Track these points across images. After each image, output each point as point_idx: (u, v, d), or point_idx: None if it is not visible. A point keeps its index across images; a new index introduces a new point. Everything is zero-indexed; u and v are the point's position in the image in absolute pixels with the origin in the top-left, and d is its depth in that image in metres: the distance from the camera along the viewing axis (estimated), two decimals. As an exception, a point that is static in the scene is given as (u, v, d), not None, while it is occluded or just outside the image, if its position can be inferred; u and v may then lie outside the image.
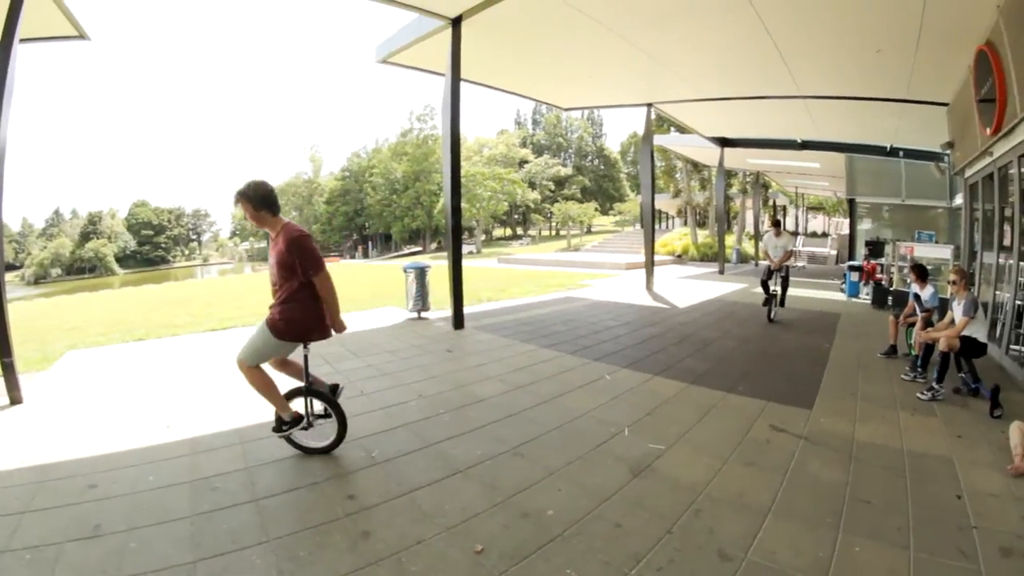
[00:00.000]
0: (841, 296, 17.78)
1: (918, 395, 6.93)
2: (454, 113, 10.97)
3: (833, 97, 14.33)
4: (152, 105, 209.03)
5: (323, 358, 8.52)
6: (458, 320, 11.19)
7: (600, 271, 28.45)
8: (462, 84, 11.13)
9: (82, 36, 9.13)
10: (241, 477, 4.57)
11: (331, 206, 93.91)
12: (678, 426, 5.79)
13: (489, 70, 14.06)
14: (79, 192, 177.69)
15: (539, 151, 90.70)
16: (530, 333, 10.71)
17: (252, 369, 4.70)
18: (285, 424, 4.87)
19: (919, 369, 7.70)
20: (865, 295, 17.07)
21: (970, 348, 6.97)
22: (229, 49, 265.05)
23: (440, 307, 12.80)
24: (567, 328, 11.27)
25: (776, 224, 13.07)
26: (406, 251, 79.67)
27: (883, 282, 16.43)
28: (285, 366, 5.03)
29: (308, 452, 5.03)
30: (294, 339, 4.72)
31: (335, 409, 4.99)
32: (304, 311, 4.65)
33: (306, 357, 4.94)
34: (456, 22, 10.54)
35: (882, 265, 17.81)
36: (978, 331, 6.97)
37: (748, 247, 37.08)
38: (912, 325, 8.69)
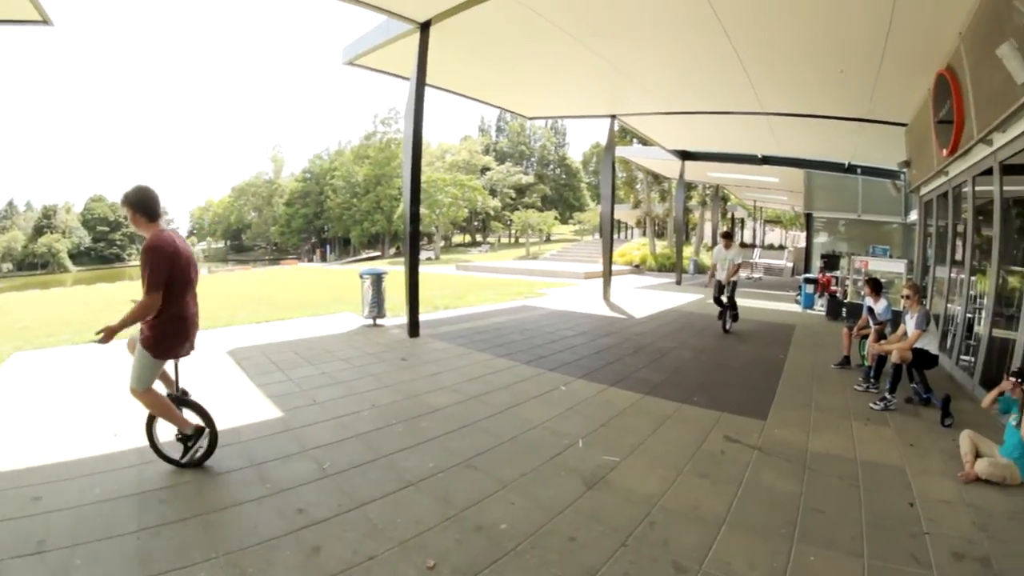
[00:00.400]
0: (796, 308, 18.09)
1: (871, 405, 7.10)
2: (417, 118, 10.87)
3: (795, 115, 14.51)
4: (113, 98, 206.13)
5: (276, 365, 8.40)
6: (414, 328, 11.05)
7: (558, 280, 28.43)
8: (428, 89, 11.07)
9: (45, 21, 8.79)
10: (189, 490, 4.41)
11: (291, 208, 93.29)
12: (633, 437, 5.77)
13: (455, 76, 14.00)
14: (34, 184, 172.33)
15: (501, 159, 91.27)
16: (486, 342, 10.63)
17: (145, 393, 4.54)
18: (190, 439, 4.70)
19: (872, 380, 7.91)
20: (820, 307, 17.29)
21: (922, 360, 7.20)
22: (194, 43, 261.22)
23: (396, 314, 12.63)
24: (523, 337, 11.23)
25: (727, 236, 12.91)
26: (364, 256, 78.98)
27: (837, 295, 16.67)
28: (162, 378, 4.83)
29: (179, 466, 4.78)
30: (166, 356, 4.60)
31: (204, 418, 4.79)
32: (169, 326, 4.53)
33: (176, 365, 4.87)
34: (425, 27, 10.44)
35: (837, 278, 18.05)
36: (930, 343, 7.21)
37: (705, 258, 37.25)
38: (865, 337, 8.89)
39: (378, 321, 12.37)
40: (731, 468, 5.08)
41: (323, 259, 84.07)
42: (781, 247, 50.71)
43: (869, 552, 3.76)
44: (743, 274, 20.32)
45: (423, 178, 66.40)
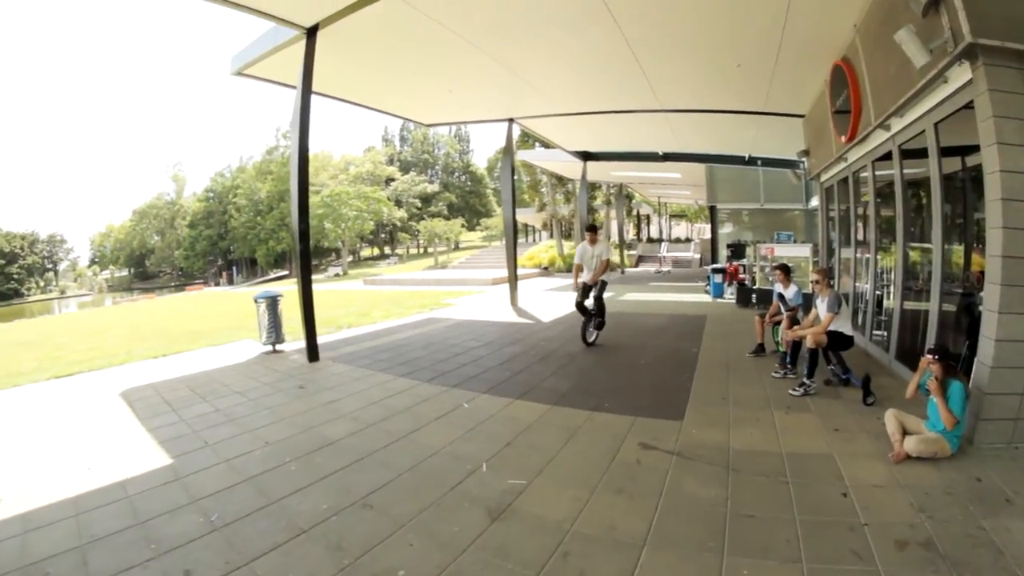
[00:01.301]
0: (706, 298, 18.45)
1: (790, 392, 7.07)
2: (303, 129, 10.36)
3: (694, 110, 14.80)
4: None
5: (169, 404, 7.84)
6: (312, 352, 10.53)
7: (466, 288, 28.24)
8: (323, 100, 10.86)
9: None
10: (74, 558, 3.92)
11: (194, 230, 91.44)
12: (540, 456, 5.41)
13: (347, 84, 13.57)
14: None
15: (406, 168, 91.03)
16: (388, 361, 10.17)
17: None
18: None
19: (789, 366, 7.90)
20: (729, 295, 17.74)
21: (837, 341, 7.21)
22: (84, 56, 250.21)
23: (297, 337, 11.97)
24: (426, 353, 10.81)
25: (592, 229, 11.01)
26: (272, 276, 77.47)
27: (746, 282, 17.02)
28: None
29: None
30: None
31: None
32: None
33: None
34: (312, 32, 9.96)
35: (744, 266, 18.57)
36: (843, 325, 7.21)
37: (614, 256, 37.67)
38: (778, 324, 8.89)
39: (278, 347, 11.79)
40: (649, 479, 4.78)
41: (230, 282, 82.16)
42: (688, 240, 52.10)
43: (807, 555, 3.54)
44: (615, 273, 20.35)
45: (327, 192, 67.29)
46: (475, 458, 5.41)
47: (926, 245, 7.37)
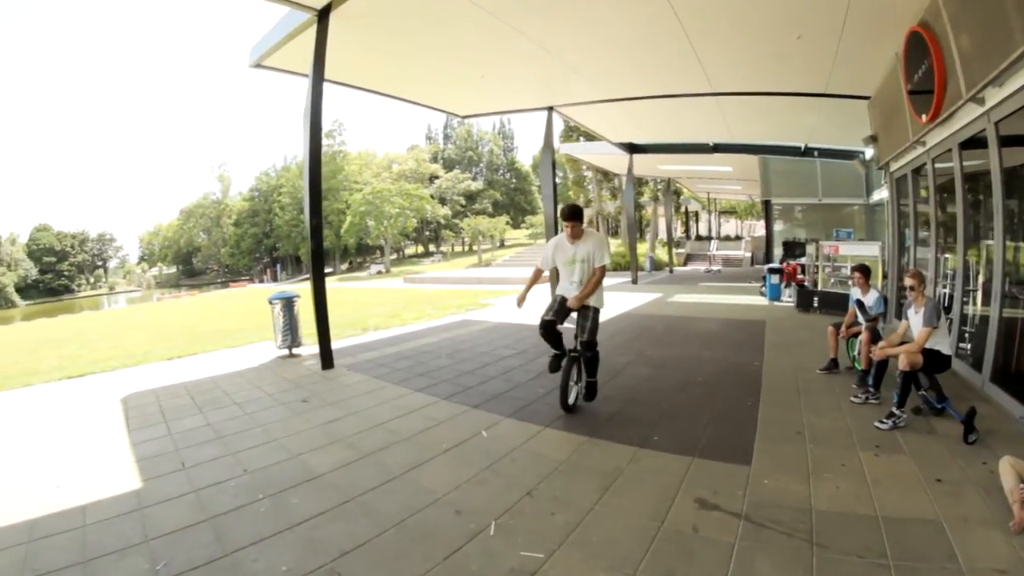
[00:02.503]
0: (762, 300, 17.30)
1: (877, 424, 5.76)
2: (315, 120, 9.48)
3: (748, 93, 13.58)
4: (53, 123, 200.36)
5: (164, 414, 7.24)
6: (326, 359, 9.61)
7: (506, 287, 27.37)
8: (357, 92, 9.81)
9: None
10: None
11: (239, 228, 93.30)
12: (567, 514, 4.18)
13: (368, 71, 12.63)
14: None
15: (450, 166, 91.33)
16: (407, 371, 9.13)
17: None
18: None
19: (871, 389, 6.63)
20: (788, 298, 16.64)
21: (934, 362, 5.91)
22: (134, 61, 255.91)
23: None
24: (452, 362, 9.71)
25: (573, 216, 6.56)
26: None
27: (806, 284, 15.71)
28: None
29: None
30: None
31: None
32: None
33: None
34: (323, 14, 9.10)
35: (803, 266, 17.22)
36: (941, 342, 5.94)
37: (661, 254, 36.90)
38: (855, 336, 7.70)
39: (294, 350, 10.97)
40: (709, 557, 3.55)
41: (274, 279, 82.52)
42: (738, 238, 50.75)
43: None
44: (661, 273, 18.63)
45: (368, 190, 66.68)
46: (483, 513, 4.23)
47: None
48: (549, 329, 6.55)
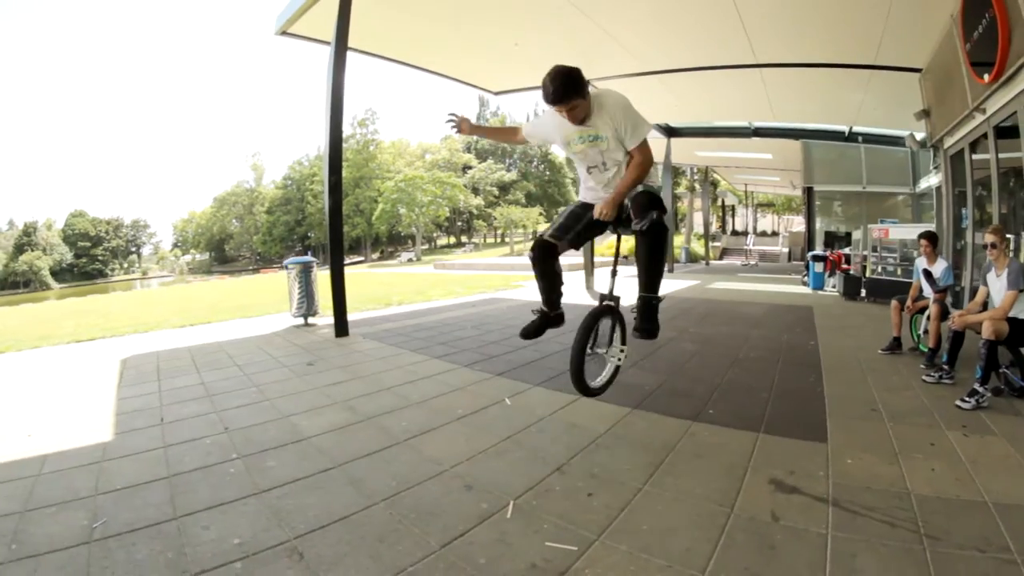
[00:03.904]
0: (805, 289, 16.61)
1: (958, 403, 4.90)
2: (336, 90, 8.95)
3: (793, 64, 12.77)
4: (91, 110, 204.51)
5: (159, 373, 6.79)
6: (340, 327, 9.00)
7: (538, 273, 26.48)
8: (384, 74, 9.29)
9: None
10: None
11: (272, 215, 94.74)
12: (609, 494, 3.29)
13: (396, 40, 12.11)
14: (13, 200, 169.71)
15: (483, 156, 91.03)
16: (426, 340, 8.37)
17: None
18: None
19: (946, 367, 5.75)
20: (832, 287, 15.96)
21: (1019, 332, 5.10)
22: (169, 50, 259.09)
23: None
24: (477, 333, 8.92)
25: (566, 93, 3.64)
26: (347, 261, 77.93)
27: (852, 271, 15.08)
28: None
29: None
30: None
31: None
32: None
33: None
34: None
35: (848, 256, 16.58)
36: None
37: (697, 248, 36.50)
38: (921, 311, 7.02)
39: (310, 320, 10.36)
40: (798, 553, 2.68)
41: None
42: (775, 233, 50.19)
43: None
44: (697, 264, 18.08)
45: (400, 177, 66.70)
46: (499, 491, 3.35)
47: None
48: (544, 256, 4.14)
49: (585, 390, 4.14)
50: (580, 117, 3.79)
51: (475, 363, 6.79)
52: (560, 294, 4.35)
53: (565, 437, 4.25)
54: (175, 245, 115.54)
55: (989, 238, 5.48)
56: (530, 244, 5.17)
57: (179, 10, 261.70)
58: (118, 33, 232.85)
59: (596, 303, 4.38)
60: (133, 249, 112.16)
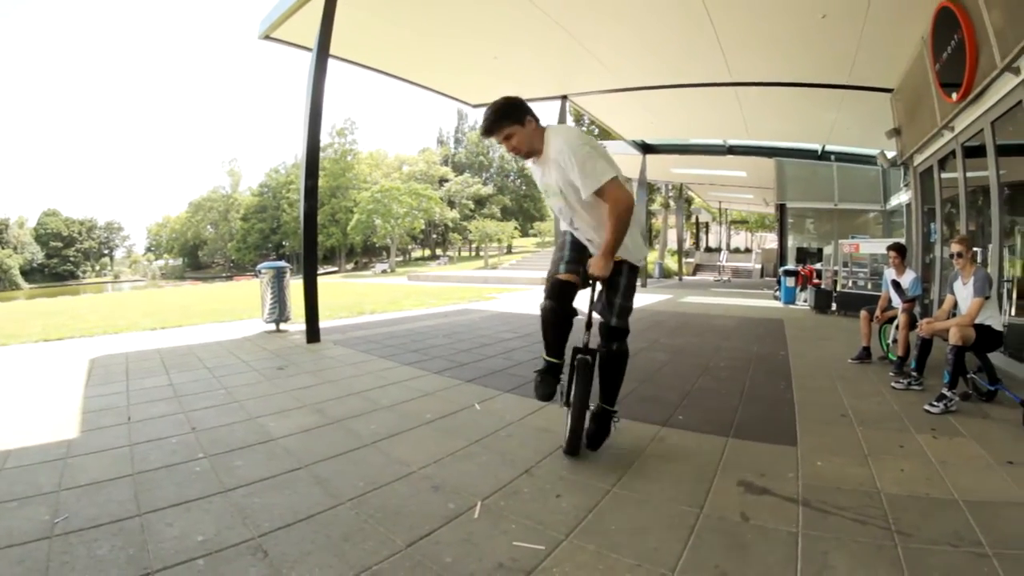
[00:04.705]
0: (776, 303, 16.94)
1: (926, 408, 5.14)
2: (316, 96, 9.04)
3: (769, 83, 13.08)
4: (66, 108, 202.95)
5: (128, 374, 6.74)
6: (312, 332, 8.99)
7: (513, 285, 27.01)
8: (363, 85, 9.42)
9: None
10: None
11: (247, 223, 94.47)
12: (577, 495, 3.30)
13: (376, 49, 12.21)
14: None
15: (460, 170, 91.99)
16: (397, 347, 8.38)
17: None
18: None
19: (913, 373, 6.10)
20: (803, 301, 16.21)
21: (986, 339, 5.39)
22: (149, 52, 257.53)
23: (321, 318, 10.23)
24: (448, 342, 8.94)
25: (496, 122, 3.71)
26: (321, 271, 77.53)
27: (823, 286, 15.36)
28: None
29: None
30: None
31: None
32: None
33: None
34: None
35: (819, 271, 17.03)
36: (992, 316, 5.48)
37: (670, 263, 36.91)
38: (890, 321, 7.36)
39: (282, 326, 10.28)
40: (768, 552, 2.69)
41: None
42: (748, 250, 50.77)
43: None
44: (671, 280, 18.27)
45: (377, 188, 66.51)
46: (467, 491, 3.35)
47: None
48: (563, 298, 3.86)
49: (574, 452, 3.88)
50: (524, 150, 3.71)
51: (445, 370, 6.81)
52: (565, 341, 3.98)
53: (534, 441, 4.25)
54: (148, 249, 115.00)
55: (955, 248, 5.66)
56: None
57: (160, 10, 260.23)
58: (96, 31, 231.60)
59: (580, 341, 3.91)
60: (106, 252, 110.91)
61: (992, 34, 6.36)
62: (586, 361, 3.78)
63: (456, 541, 2.79)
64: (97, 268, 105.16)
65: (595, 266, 3.56)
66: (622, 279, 3.78)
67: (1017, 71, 6.06)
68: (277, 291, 10.18)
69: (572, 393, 3.82)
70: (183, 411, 5.12)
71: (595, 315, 3.88)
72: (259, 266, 10.60)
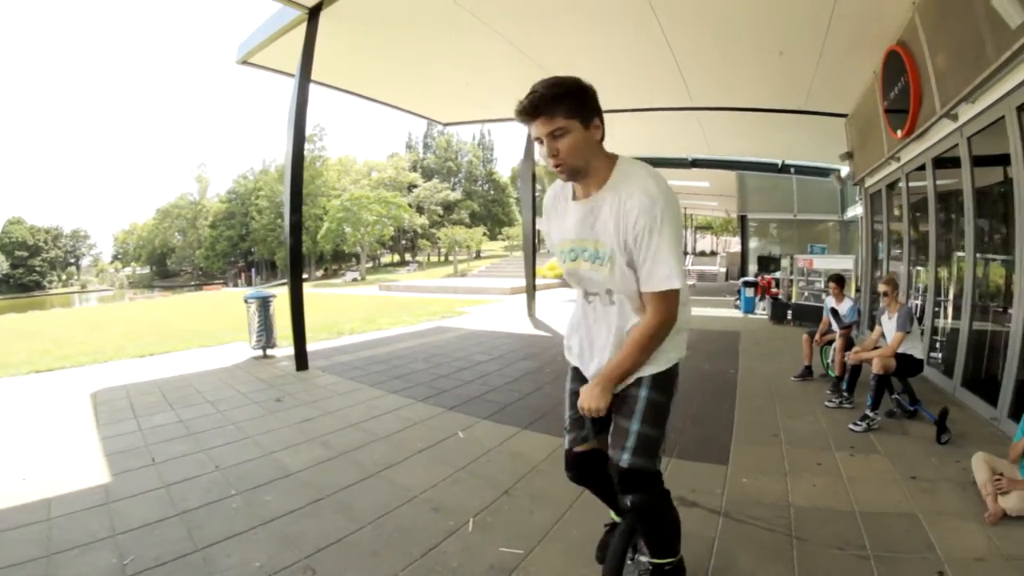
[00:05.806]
0: (737, 313, 17.54)
1: (851, 426, 5.89)
2: (299, 121, 9.45)
3: (729, 108, 13.72)
4: (32, 112, 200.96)
5: (134, 410, 7.07)
6: (301, 360, 9.52)
7: (482, 297, 27.38)
8: (339, 97, 9.85)
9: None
10: None
11: (215, 230, 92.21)
12: (547, 510, 4.15)
13: (355, 74, 12.65)
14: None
15: (429, 175, 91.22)
16: (383, 374, 9.04)
17: None
18: None
19: (845, 393, 6.80)
20: (762, 311, 16.87)
21: (907, 366, 6.11)
22: (116, 57, 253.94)
23: (292, 342, 10.46)
24: (428, 366, 9.63)
25: (540, 107, 2.32)
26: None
27: (780, 296, 16.02)
28: None
29: None
30: None
31: None
32: None
33: None
34: (314, 12, 9.07)
35: (777, 280, 17.63)
36: (914, 346, 6.19)
37: None
38: (829, 343, 7.98)
39: (268, 351, 10.83)
40: (692, 552, 3.43)
41: (248, 283, 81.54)
42: (713, 253, 51.25)
43: None
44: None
45: (346, 196, 66.23)
46: (461, 510, 4.19)
47: (1002, 257, 6.51)
48: (585, 471, 2.90)
49: None
50: (570, 164, 2.37)
51: (429, 397, 7.53)
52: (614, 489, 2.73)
53: (510, 466, 5.07)
54: (115, 257, 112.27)
55: (882, 288, 6.47)
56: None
57: (126, 16, 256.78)
58: (60, 34, 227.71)
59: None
60: (72, 261, 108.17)
61: (934, 82, 6.87)
62: (613, 524, 3.19)
63: (457, 550, 3.62)
64: (63, 278, 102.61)
65: (587, 397, 2.47)
66: (641, 392, 2.58)
67: (955, 118, 6.63)
68: (264, 319, 10.70)
69: (618, 548, 2.75)
70: (201, 449, 5.61)
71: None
72: (246, 296, 11.02)
